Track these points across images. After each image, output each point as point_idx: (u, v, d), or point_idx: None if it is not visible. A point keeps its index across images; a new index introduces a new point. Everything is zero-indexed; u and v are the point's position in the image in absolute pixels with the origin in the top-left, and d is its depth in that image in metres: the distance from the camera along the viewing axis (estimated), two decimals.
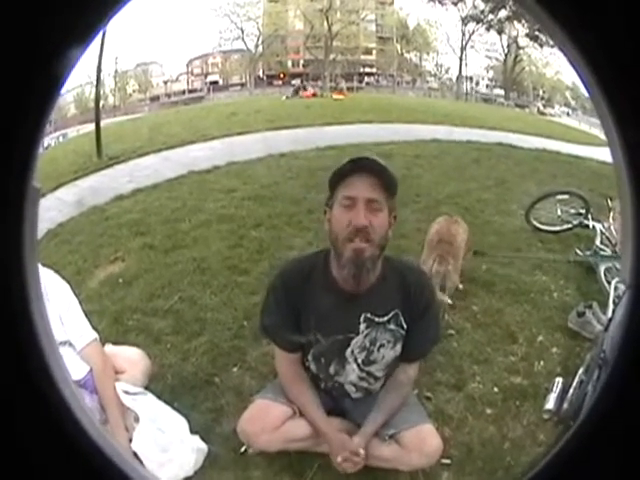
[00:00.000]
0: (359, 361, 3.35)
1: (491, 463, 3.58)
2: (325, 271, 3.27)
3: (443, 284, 5.61)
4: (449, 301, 5.50)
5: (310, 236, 4.49)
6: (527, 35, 22.46)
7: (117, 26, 14.91)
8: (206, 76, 24.41)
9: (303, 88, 23.22)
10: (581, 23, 0.82)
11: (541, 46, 22.19)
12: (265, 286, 3.68)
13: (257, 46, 24.20)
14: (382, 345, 3.31)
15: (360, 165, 3.04)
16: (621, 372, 0.88)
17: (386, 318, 3.26)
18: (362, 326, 3.26)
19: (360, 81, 25.17)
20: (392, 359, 3.37)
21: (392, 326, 3.28)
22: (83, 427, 0.91)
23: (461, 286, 5.93)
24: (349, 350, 3.32)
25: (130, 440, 3.43)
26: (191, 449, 3.47)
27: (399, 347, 3.34)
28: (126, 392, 3.61)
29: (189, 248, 7.39)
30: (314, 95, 22.35)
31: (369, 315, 3.25)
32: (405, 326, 3.30)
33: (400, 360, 3.41)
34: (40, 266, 3.20)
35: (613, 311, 4.51)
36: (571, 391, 3.90)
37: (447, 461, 3.53)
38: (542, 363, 4.76)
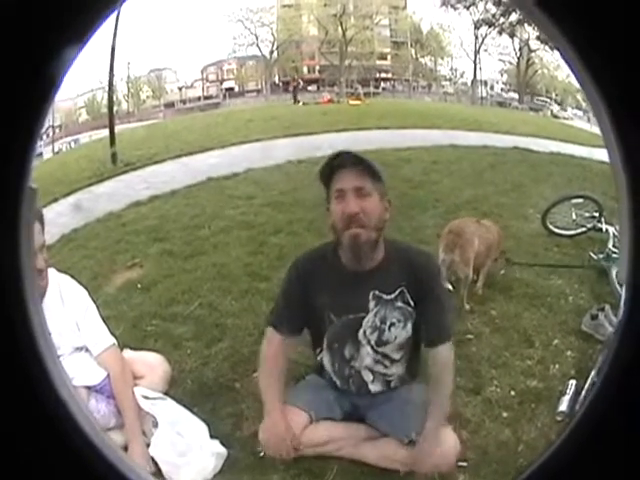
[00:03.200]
0: (372, 342, 3.47)
1: (505, 465, 3.60)
2: (334, 256, 3.47)
3: (452, 273, 5.91)
4: (450, 287, 5.79)
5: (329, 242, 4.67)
6: (538, 38, 22.40)
7: (129, 31, 14.91)
8: (221, 82, 24.35)
9: (296, 87, 23.15)
10: (578, 25, 0.82)
11: (552, 49, 22.11)
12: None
13: (272, 52, 24.13)
14: (392, 324, 3.44)
15: (341, 160, 3.31)
16: (619, 370, 0.87)
17: (393, 295, 3.42)
18: (371, 304, 3.43)
19: (376, 86, 25.08)
20: (404, 339, 3.48)
21: (400, 303, 3.43)
22: (82, 430, 0.90)
23: (480, 291, 6.06)
24: (361, 331, 3.46)
25: (148, 445, 3.49)
26: (210, 453, 3.51)
27: (409, 326, 3.47)
28: (145, 397, 3.65)
29: (209, 254, 7.44)
30: (330, 101, 22.24)
31: (377, 292, 3.41)
32: (412, 304, 3.43)
33: (426, 346, 3.52)
34: (56, 271, 3.26)
35: None
36: (584, 393, 3.94)
37: (464, 464, 3.55)
38: (557, 366, 4.78)
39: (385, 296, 3.41)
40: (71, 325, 3.61)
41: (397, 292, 3.40)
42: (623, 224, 0.91)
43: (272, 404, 3.48)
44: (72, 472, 0.88)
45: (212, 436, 3.66)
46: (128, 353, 4.10)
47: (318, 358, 3.66)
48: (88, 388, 3.61)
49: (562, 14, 0.82)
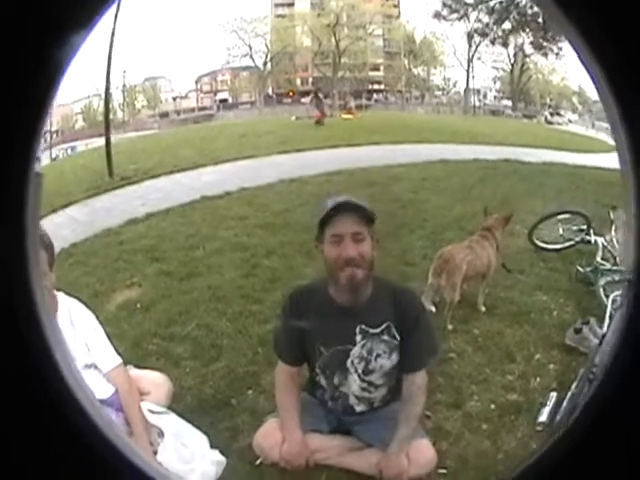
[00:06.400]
0: (359, 371, 3.69)
1: (484, 472, 3.80)
2: (325, 292, 3.68)
3: (439, 295, 6.17)
4: (432, 309, 6.09)
5: (320, 265, 4.72)
6: (532, 43, 22.47)
7: (125, 39, 15.02)
8: (215, 93, 24.35)
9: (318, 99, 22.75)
10: (588, 14, 0.87)
11: (546, 55, 22.22)
12: (278, 314, 4.06)
13: (266, 63, 24.15)
14: (379, 355, 3.65)
15: (341, 208, 3.46)
16: (614, 380, 0.93)
17: (379, 330, 3.63)
18: (358, 337, 3.63)
19: (368, 98, 25.05)
20: (389, 368, 3.70)
21: (386, 337, 3.64)
22: (90, 418, 0.95)
23: (483, 308, 6.33)
24: (349, 360, 3.68)
25: (155, 453, 3.70)
26: (211, 461, 3.73)
27: (395, 357, 3.68)
28: (151, 411, 3.88)
29: (204, 276, 7.59)
30: (323, 116, 21.93)
31: (364, 327, 3.62)
32: (398, 337, 3.64)
33: (404, 372, 3.72)
34: (65, 295, 3.49)
35: (608, 326, 4.69)
36: (564, 404, 4.14)
37: (443, 471, 3.78)
38: (538, 380, 4.96)
39: (372, 330, 3.62)
40: (81, 346, 3.80)
41: (383, 326, 3.62)
42: (629, 227, 1.00)
43: (291, 428, 3.75)
44: (89, 469, 0.95)
45: (212, 446, 3.86)
46: (134, 371, 4.33)
47: (315, 380, 3.87)
48: (99, 401, 3.81)
49: (578, 12, 0.88)
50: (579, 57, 0.96)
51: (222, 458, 3.81)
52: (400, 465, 3.56)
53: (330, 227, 3.48)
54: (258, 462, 3.87)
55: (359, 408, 3.82)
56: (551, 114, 23.90)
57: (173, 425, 3.87)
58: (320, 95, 23.04)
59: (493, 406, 4.62)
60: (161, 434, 3.79)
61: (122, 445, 0.99)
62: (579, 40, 0.90)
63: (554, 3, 0.92)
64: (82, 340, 3.83)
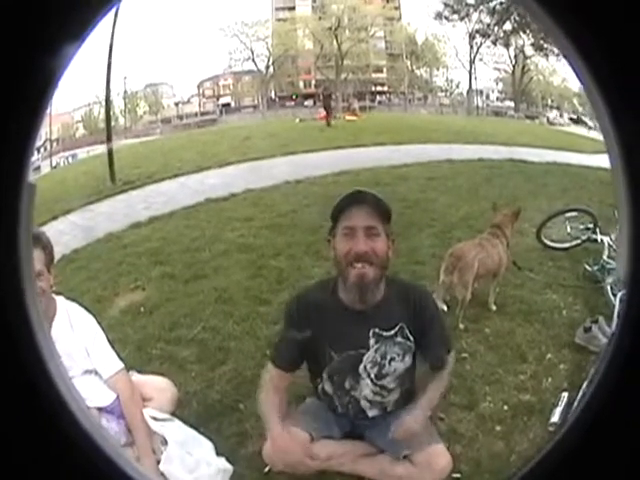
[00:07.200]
0: (372, 376, 3.56)
1: (497, 474, 3.73)
2: (334, 294, 3.55)
3: (450, 294, 6.12)
4: (445, 307, 5.99)
5: (328, 265, 4.60)
6: (532, 45, 22.43)
7: (125, 45, 14.95)
8: (218, 98, 24.24)
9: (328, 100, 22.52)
10: (576, 19, 0.86)
11: (547, 56, 22.18)
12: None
13: (268, 67, 23.99)
14: (392, 358, 3.53)
15: (356, 198, 3.34)
16: (614, 380, 0.93)
17: (393, 332, 3.50)
18: (372, 341, 3.49)
19: (372, 100, 24.96)
20: (403, 371, 3.58)
21: (399, 339, 3.51)
22: (95, 442, 0.94)
23: (493, 307, 6.25)
24: (362, 366, 3.54)
25: (158, 462, 3.60)
26: (217, 470, 3.62)
27: (408, 359, 3.56)
28: (154, 418, 3.78)
29: (210, 278, 7.50)
30: (327, 117, 21.81)
31: (377, 330, 3.48)
32: (412, 338, 3.52)
33: (431, 370, 3.61)
34: (64, 299, 3.41)
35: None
36: (576, 404, 4.05)
37: (457, 475, 3.69)
38: (550, 379, 4.87)
39: (385, 333, 3.49)
40: (81, 350, 3.74)
41: (397, 328, 3.49)
42: (622, 225, 0.97)
43: (274, 424, 3.55)
44: (82, 479, 0.94)
45: (218, 453, 3.78)
46: (137, 377, 4.23)
47: (318, 387, 3.75)
48: (99, 409, 3.75)
49: (560, 9, 0.87)
50: (564, 55, 0.96)
51: (228, 466, 3.72)
52: (412, 426, 3.43)
53: (343, 219, 3.36)
54: (266, 470, 3.76)
55: (371, 413, 3.70)
56: (571, 119, 23.74)
57: (177, 432, 3.79)
58: (332, 96, 22.90)
59: (506, 407, 4.54)
60: (164, 442, 3.70)
61: (114, 454, 0.97)
62: (563, 39, 0.90)
63: (536, 3, 0.92)
64: (82, 344, 3.77)
